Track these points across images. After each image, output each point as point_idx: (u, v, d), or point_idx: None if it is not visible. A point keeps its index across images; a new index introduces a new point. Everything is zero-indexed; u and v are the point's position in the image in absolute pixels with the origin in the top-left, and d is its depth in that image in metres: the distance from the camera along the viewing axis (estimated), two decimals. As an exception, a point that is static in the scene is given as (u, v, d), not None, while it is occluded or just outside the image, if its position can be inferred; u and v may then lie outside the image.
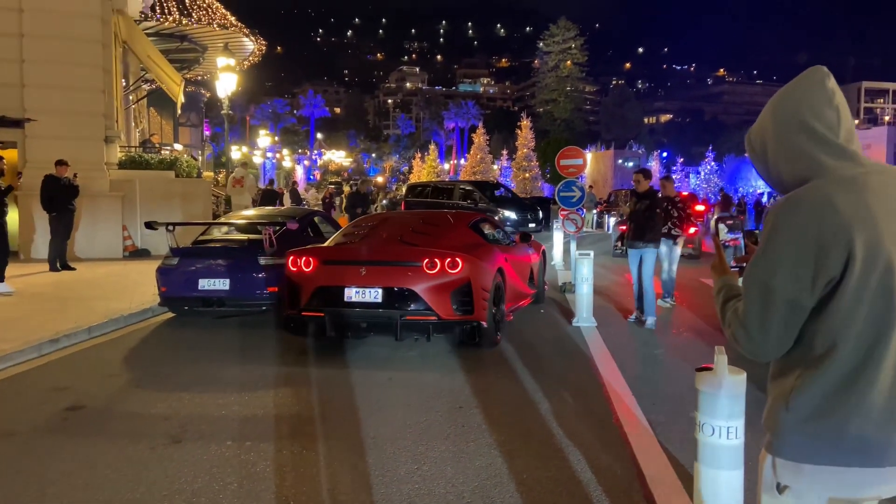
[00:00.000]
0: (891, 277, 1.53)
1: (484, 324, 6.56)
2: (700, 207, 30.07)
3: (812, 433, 1.60)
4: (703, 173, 50.94)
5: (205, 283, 8.09)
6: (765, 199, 32.62)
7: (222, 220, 10.46)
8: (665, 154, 65.80)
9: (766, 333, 1.63)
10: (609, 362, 6.45)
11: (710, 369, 3.07)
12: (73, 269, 11.87)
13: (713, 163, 50.86)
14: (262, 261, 8.12)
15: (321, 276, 6.66)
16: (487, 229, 8.21)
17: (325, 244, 7.57)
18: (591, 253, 8.45)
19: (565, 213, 11.53)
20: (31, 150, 13.49)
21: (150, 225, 8.60)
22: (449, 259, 6.45)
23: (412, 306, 6.41)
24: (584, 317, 8.14)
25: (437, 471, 3.96)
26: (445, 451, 4.27)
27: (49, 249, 11.84)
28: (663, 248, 9.03)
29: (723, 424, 2.99)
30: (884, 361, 1.55)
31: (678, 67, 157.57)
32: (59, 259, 11.83)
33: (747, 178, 50.79)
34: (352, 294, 6.48)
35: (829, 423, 1.58)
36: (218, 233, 9.33)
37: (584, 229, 8.40)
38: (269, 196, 19.31)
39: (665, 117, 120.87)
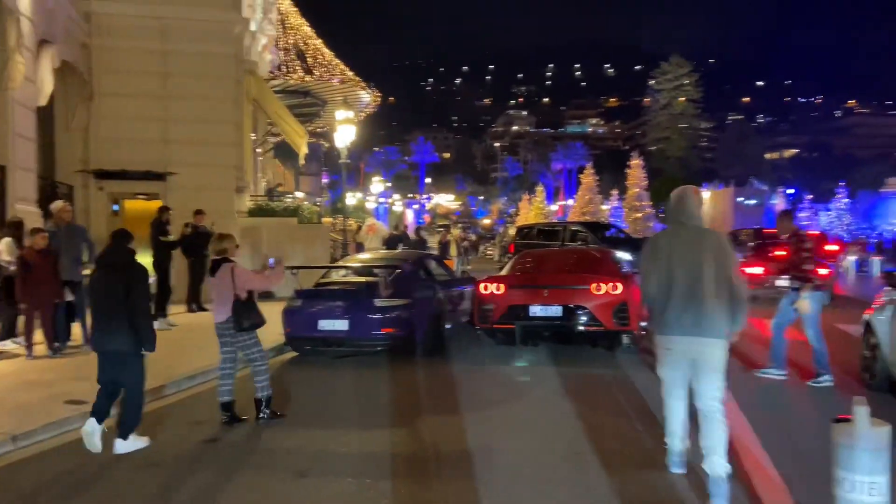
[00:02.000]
0: (672, 265, 4.19)
1: (636, 332, 8.50)
2: (832, 247, 28.10)
3: (659, 321, 4.30)
4: (834, 210, 47.59)
5: (325, 324, 8.47)
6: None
7: (341, 263, 10.94)
8: (792, 191, 62.18)
9: (646, 290, 4.44)
10: (734, 412, 6.13)
11: (848, 420, 2.90)
12: (207, 310, 12.76)
13: (845, 199, 47.42)
14: (378, 303, 8.41)
15: (511, 297, 8.73)
16: (621, 263, 10.01)
17: (504, 273, 9.75)
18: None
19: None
20: (171, 200, 14.73)
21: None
22: (612, 283, 8.36)
23: (584, 319, 8.35)
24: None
25: (554, 517, 3.91)
26: (564, 499, 4.21)
27: (187, 292, 12.82)
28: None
29: (864, 480, 2.80)
30: (675, 295, 4.16)
31: (803, 100, 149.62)
32: (195, 300, 12.78)
33: (884, 215, 46.88)
34: (536, 310, 8.55)
35: (661, 317, 4.26)
36: (337, 276, 9.77)
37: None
38: (393, 240, 20.27)
39: (790, 152, 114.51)
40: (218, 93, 15.28)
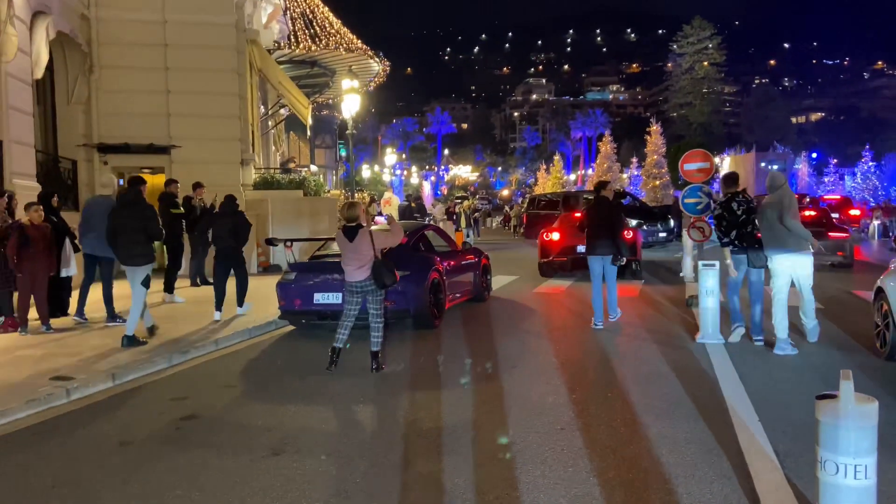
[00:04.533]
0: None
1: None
2: (855, 212, 27.34)
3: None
4: (859, 174, 46.29)
5: (319, 297, 8.30)
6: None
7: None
8: (815, 155, 60.60)
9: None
10: (735, 382, 5.87)
11: (833, 397, 2.63)
12: (212, 283, 12.65)
13: (871, 163, 46.04)
14: (374, 275, 8.19)
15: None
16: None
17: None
18: (717, 264, 7.79)
19: (694, 220, 10.76)
20: (176, 174, 14.60)
21: (270, 241, 8.97)
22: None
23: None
24: (710, 333, 7.52)
25: (529, 499, 3.70)
26: (540, 476, 4.00)
27: (190, 266, 12.72)
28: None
29: (848, 462, 2.54)
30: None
31: (829, 62, 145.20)
32: (199, 275, 12.69)
33: (913, 179, 45.64)
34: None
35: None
36: (333, 248, 9.55)
37: (713, 238, 8.58)
38: (408, 211, 20.33)
39: (815, 116, 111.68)
40: (219, 64, 15.04)
